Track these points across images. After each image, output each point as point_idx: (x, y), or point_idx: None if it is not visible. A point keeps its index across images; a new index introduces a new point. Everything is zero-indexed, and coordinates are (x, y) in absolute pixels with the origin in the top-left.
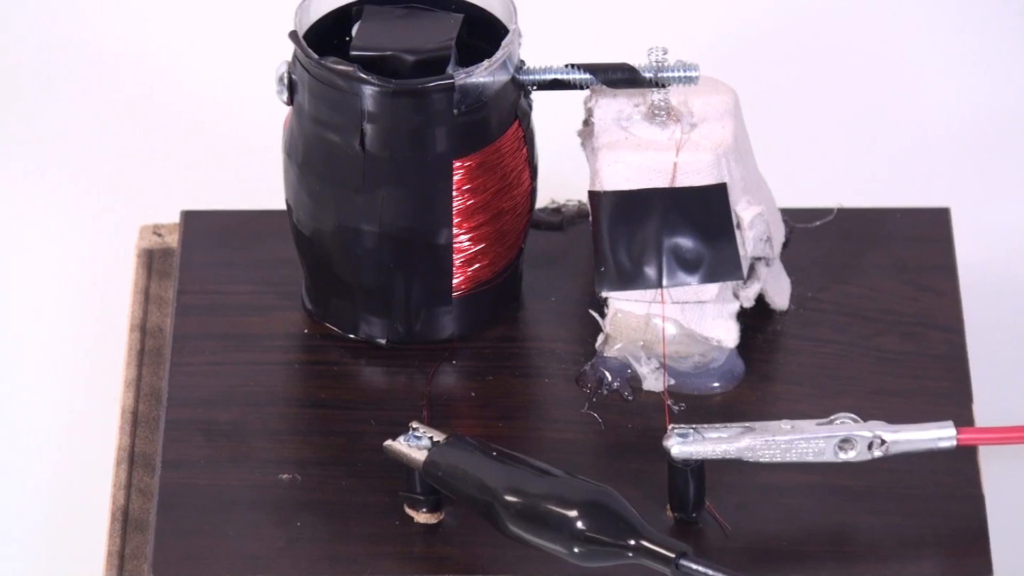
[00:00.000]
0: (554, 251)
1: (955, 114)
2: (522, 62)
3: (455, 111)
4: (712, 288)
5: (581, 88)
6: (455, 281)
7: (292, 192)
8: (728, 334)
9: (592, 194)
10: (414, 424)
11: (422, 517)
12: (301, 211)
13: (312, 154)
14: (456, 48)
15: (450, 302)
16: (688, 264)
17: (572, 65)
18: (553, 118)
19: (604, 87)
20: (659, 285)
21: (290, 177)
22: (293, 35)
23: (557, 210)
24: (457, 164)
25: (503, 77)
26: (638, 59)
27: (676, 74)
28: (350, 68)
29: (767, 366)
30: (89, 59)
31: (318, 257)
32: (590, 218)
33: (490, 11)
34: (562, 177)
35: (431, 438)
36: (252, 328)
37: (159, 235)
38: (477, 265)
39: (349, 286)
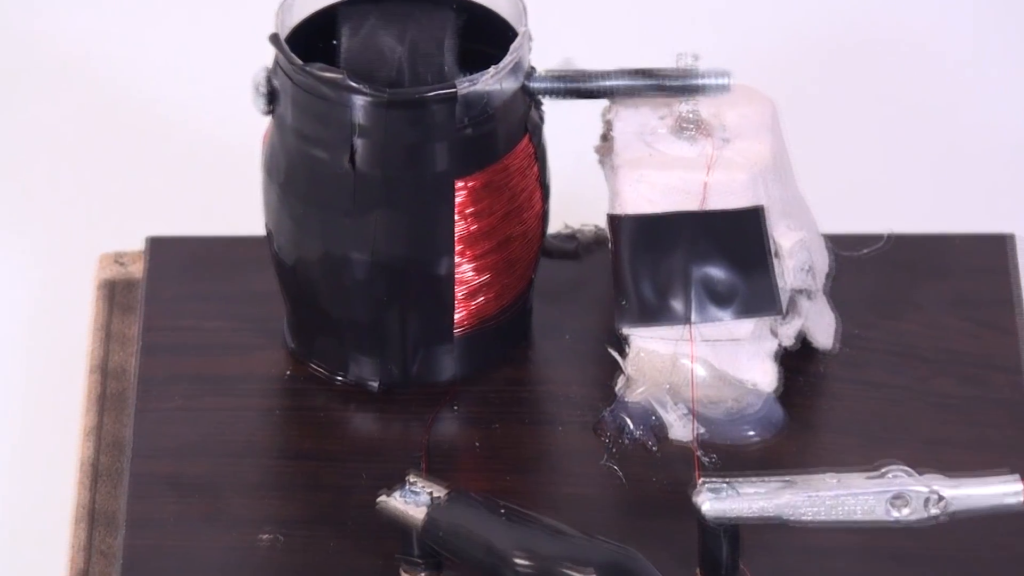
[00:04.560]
0: (568, 282)
1: (1019, 131)
2: (533, 68)
3: (457, 124)
4: (747, 325)
5: (599, 97)
6: (457, 316)
7: (273, 216)
8: (765, 376)
9: (612, 218)
10: (411, 478)
11: None
12: (283, 237)
13: (295, 173)
14: (459, 53)
15: (451, 340)
16: (720, 297)
17: (589, 72)
18: (567, 132)
19: (626, 97)
20: (687, 321)
21: (270, 199)
22: (274, 38)
23: (572, 236)
24: (459, 184)
25: (512, 85)
26: (664, 65)
27: (706, 81)
28: (338, 75)
29: (809, 412)
30: (46, 64)
31: (302, 289)
32: (609, 245)
33: (496, 11)
34: (577, 199)
35: (430, 493)
36: (227, 369)
37: (121, 264)
38: (482, 298)
39: (337, 322)
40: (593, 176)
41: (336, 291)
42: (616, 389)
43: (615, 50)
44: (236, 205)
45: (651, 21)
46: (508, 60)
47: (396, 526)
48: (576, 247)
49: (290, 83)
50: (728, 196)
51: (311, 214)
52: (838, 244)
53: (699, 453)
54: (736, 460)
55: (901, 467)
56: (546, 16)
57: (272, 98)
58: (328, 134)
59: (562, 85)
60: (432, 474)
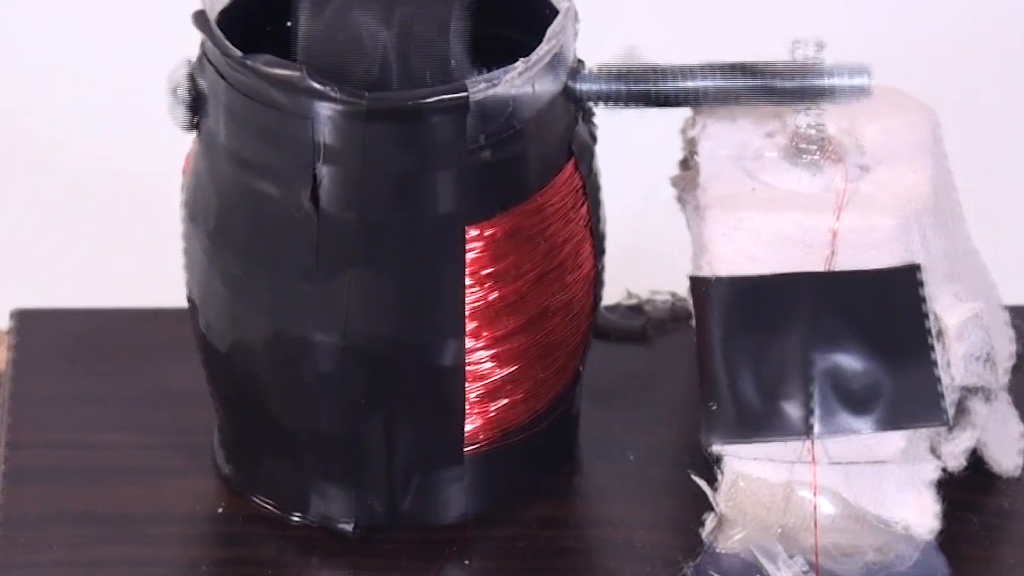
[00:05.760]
0: (633, 376)
1: None
2: (580, 63)
3: (469, 144)
4: (895, 440)
5: (678, 106)
6: (469, 428)
7: (198, 279)
8: (922, 515)
9: (697, 282)
10: None
11: None
12: (213, 310)
13: (231, 216)
14: (472, 40)
15: (460, 462)
16: (855, 400)
17: (663, 68)
18: (631, 156)
19: (717, 104)
20: (807, 435)
21: (195, 254)
22: (200, 18)
23: (638, 308)
24: (473, 232)
25: (549, 87)
26: (773, 58)
27: (836, 82)
28: (294, 72)
29: (987, 568)
30: None
31: (241, 387)
32: (693, 322)
33: None
34: (646, 254)
35: None
36: (131, 505)
37: None
38: (505, 401)
39: (293, 436)
40: (669, 221)
41: (291, 390)
42: (703, 534)
43: (700, 37)
44: (142, 263)
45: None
46: (544, 50)
47: None
48: (644, 325)
49: (223, 84)
50: (868, 250)
51: (254, 276)
52: None
53: None
54: None
55: None
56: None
57: (197, 107)
58: (279, 159)
59: (623, 87)
60: None
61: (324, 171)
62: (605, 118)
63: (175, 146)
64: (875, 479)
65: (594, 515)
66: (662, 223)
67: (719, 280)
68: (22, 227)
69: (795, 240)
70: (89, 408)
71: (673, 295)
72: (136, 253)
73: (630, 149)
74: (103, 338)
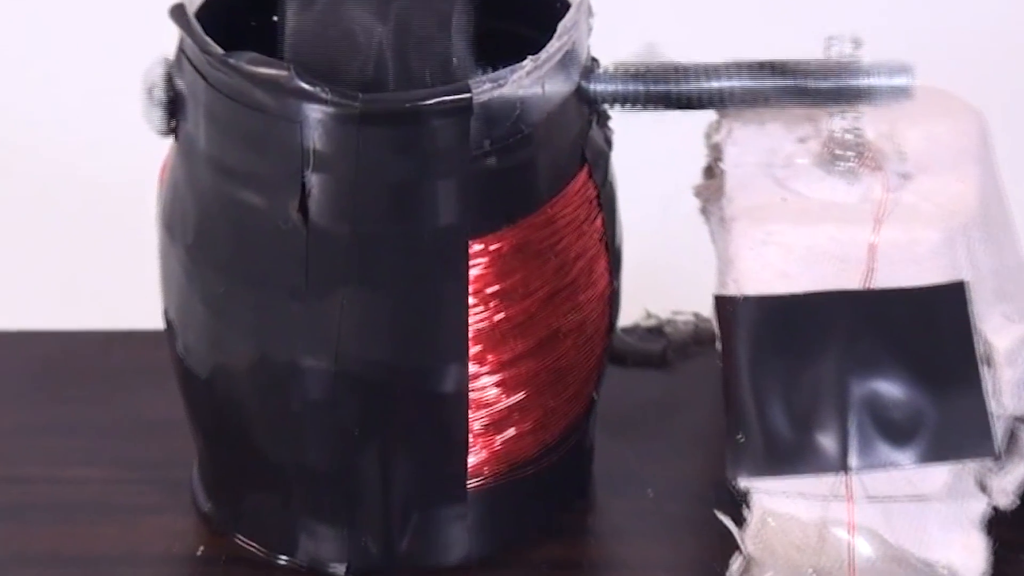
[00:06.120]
0: (652, 404)
1: None
2: (595, 62)
3: (473, 150)
4: (939, 474)
5: (701, 108)
6: (472, 461)
7: (176, 298)
8: (969, 557)
9: (722, 301)
10: None
11: None
12: (192, 333)
13: (212, 229)
14: (476, 37)
15: (463, 499)
16: (896, 430)
17: (684, 67)
18: (650, 163)
19: (744, 107)
20: (843, 468)
21: (172, 271)
22: (178, 12)
23: (657, 330)
24: (476, 247)
25: (560, 88)
26: (805, 56)
27: (875, 82)
28: (282, 72)
29: None
30: None
31: (223, 416)
32: (718, 345)
33: None
34: (667, 270)
35: None
36: (102, 545)
37: None
38: (512, 431)
39: (280, 470)
40: (691, 234)
41: (278, 419)
42: None
43: (726, 33)
44: (115, 280)
45: None
46: (554, 48)
47: None
48: (664, 348)
49: (203, 85)
50: (909, 266)
51: (238, 295)
52: None
53: None
54: None
55: None
56: None
57: (174, 109)
58: (265, 167)
59: (641, 88)
60: None
61: (314, 179)
62: (621, 121)
63: (151, 152)
64: (918, 517)
65: (609, 556)
66: (684, 237)
67: (747, 299)
68: None
69: (830, 255)
70: (56, 439)
71: (696, 315)
72: (108, 269)
73: (649, 156)
74: (72, 363)
